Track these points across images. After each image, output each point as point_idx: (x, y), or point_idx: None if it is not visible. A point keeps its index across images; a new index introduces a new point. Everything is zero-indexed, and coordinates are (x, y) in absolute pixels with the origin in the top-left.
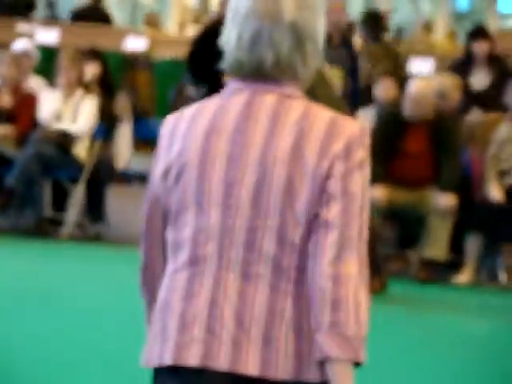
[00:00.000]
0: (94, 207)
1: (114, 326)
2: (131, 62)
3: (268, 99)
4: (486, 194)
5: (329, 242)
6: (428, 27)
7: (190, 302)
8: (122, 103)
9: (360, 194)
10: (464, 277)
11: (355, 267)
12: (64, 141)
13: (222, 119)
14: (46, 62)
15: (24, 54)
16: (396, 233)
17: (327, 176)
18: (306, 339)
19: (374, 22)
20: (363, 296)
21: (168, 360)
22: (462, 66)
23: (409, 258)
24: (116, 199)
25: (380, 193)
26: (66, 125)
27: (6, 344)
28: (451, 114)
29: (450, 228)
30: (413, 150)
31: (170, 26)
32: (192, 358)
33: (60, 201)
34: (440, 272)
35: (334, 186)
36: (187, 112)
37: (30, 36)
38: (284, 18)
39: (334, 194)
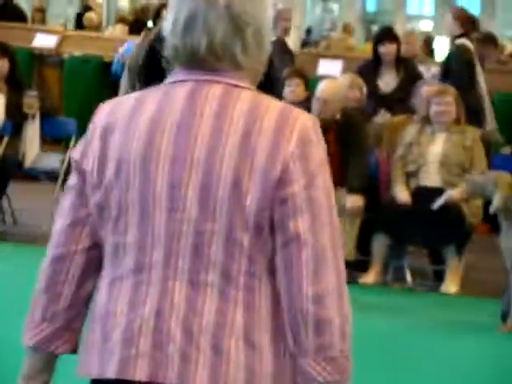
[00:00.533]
0: None
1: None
2: (40, 58)
3: (212, 91)
4: (393, 195)
5: (303, 258)
6: (347, 29)
7: (135, 313)
8: (31, 101)
9: (326, 199)
10: (371, 277)
11: (333, 280)
12: None
13: (165, 113)
14: None
15: None
16: None
17: (282, 178)
18: (258, 351)
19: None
20: (346, 307)
21: (112, 373)
22: (370, 68)
23: None
24: (23, 196)
25: None
26: None
27: None
28: (358, 115)
29: (357, 229)
30: None
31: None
32: (139, 373)
33: None
34: (347, 272)
35: (298, 194)
36: (126, 102)
37: None
38: (218, 2)
39: (299, 204)
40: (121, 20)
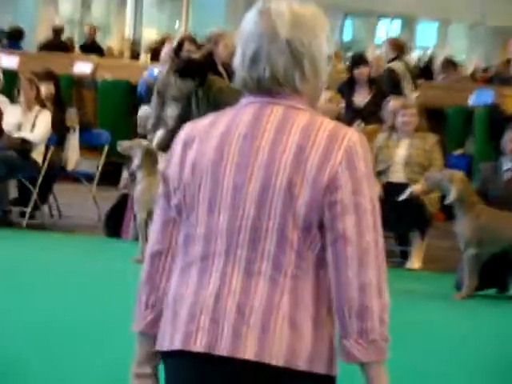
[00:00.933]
0: (44, 200)
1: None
2: (79, 82)
3: (275, 110)
4: None
5: (349, 255)
6: (337, 56)
7: (199, 295)
8: (71, 117)
9: (371, 206)
10: None
11: (374, 275)
12: (24, 147)
13: (234, 127)
14: (9, 84)
15: None
16: None
17: (331, 185)
18: (299, 332)
19: None
20: (385, 298)
21: (177, 345)
22: (347, 87)
23: None
24: (66, 195)
25: None
26: (25, 134)
27: None
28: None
29: None
30: None
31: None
32: (198, 345)
33: (24, 196)
34: None
35: (344, 199)
36: (203, 121)
37: None
38: (280, 37)
39: (345, 208)
40: (149, 49)
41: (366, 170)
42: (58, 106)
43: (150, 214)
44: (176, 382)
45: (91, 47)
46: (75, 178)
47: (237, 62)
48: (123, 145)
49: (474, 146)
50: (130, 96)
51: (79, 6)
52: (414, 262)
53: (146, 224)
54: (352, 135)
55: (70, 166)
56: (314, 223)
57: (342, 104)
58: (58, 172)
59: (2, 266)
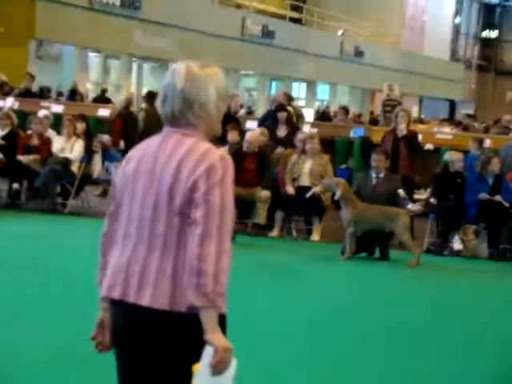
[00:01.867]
0: (79, 195)
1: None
2: (101, 121)
3: (173, 136)
4: (286, 190)
5: (196, 233)
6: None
7: (119, 261)
8: (96, 143)
9: (218, 202)
10: (274, 233)
11: (213, 248)
12: (66, 163)
13: (149, 149)
14: (57, 122)
15: (45, 117)
16: (241, 209)
17: (193, 189)
18: (179, 286)
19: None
20: (223, 265)
21: (104, 293)
22: (272, 124)
23: (246, 223)
24: (92, 192)
25: None
26: (67, 155)
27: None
28: (268, 149)
29: (266, 207)
30: (248, 167)
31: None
32: (115, 294)
33: (65, 194)
34: (262, 230)
35: (199, 197)
36: (139, 146)
37: (48, 108)
38: (177, 87)
39: (199, 203)
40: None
41: (219, 179)
42: (87, 136)
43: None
44: (114, 320)
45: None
46: (97, 182)
47: (157, 102)
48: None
49: (353, 163)
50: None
51: (101, 72)
52: (315, 236)
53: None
54: (215, 156)
55: (95, 174)
56: (186, 212)
57: (267, 136)
58: (87, 179)
59: (55, 240)
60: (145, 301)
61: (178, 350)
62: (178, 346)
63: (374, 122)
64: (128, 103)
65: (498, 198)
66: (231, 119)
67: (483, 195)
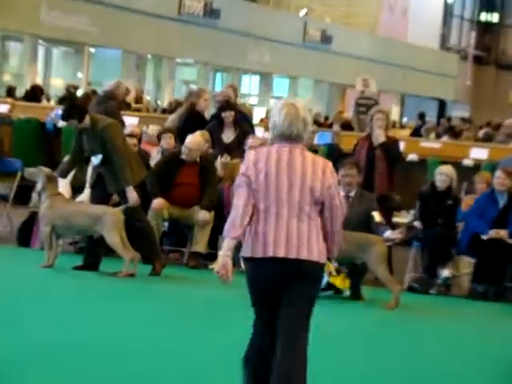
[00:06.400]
0: None
1: None
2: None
3: (296, 150)
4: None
5: (338, 213)
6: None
7: (277, 231)
8: None
9: (337, 189)
10: (218, 264)
11: (340, 223)
12: None
13: (281, 157)
14: None
15: None
16: (176, 235)
17: (328, 186)
18: (321, 245)
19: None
20: (339, 236)
21: (270, 254)
22: (216, 127)
23: (183, 252)
24: None
25: (158, 202)
26: None
27: None
28: (211, 158)
29: (208, 232)
30: (186, 181)
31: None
32: (280, 253)
33: None
34: (202, 261)
35: (334, 192)
36: (262, 150)
37: None
38: (300, 116)
39: (334, 195)
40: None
41: (335, 178)
42: None
43: (53, 229)
44: (265, 274)
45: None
46: None
47: (275, 123)
48: (28, 171)
49: None
50: (39, 131)
51: None
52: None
53: (51, 236)
54: (328, 162)
55: None
56: (321, 201)
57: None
58: None
59: None
60: (303, 255)
61: (317, 284)
62: (318, 281)
63: (344, 125)
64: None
65: (502, 233)
66: (200, 120)
67: (491, 233)
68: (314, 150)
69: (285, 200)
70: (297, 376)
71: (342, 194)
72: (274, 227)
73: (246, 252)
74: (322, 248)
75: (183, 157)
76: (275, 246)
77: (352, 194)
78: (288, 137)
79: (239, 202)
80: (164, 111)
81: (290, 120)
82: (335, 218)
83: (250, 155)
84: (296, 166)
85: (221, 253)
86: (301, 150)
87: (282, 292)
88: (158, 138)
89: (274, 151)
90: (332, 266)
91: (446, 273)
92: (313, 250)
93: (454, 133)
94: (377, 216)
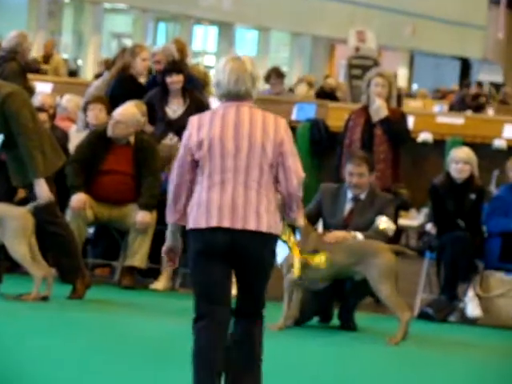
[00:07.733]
0: None
1: None
2: None
3: (243, 108)
4: None
5: (292, 174)
6: None
7: (222, 199)
8: None
9: (292, 148)
10: (160, 284)
11: (296, 182)
12: None
13: (227, 117)
14: None
15: None
16: (105, 243)
17: (281, 143)
18: (272, 215)
19: None
20: (299, 187)
21: (214, 224)
22: (159, 97)
23: (114, 266)
24: None
25: (79, 198)
26: None
27: None
28: (151, 139)
29: (149, 241)
30: (117, 168)
31: None
32: (225, 223)
33: None
34: (140, 279)
35: (287, 150)
36: (207, 113)
37: None
38: (247, 71)
39: (286, 153)
40: None
41: (290, 134)
42: None
43: None
44: (211, 245)
45: None
46: None
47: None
48: None
49: None
50: None
51: None
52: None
53: None
54: (282, 119)
55: None
56: (274, 162)
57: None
58: None
59: None
60: (251, 226)
61: (270, 256)
62: (270, 253)
63: (331, 94)
64: None
65: None
66: (135, 88)
67: None
68: (292, 127)
69: (230, 166)
70: (256, 335)
71: (350, 196)
72: (219, 196)
73: (189, 224)
74: (275, 217)
75: (109, 134)
76: (220, 215)
77: (362, 197)
78: (235, 95)
79: (172, 182)
80: (97, 76)
81: (236, 76)
82: (290, 180)
83: (193, 120)
84: (243, 127)
85: (167, 235)
86: (249, 108)
87: (232, 263)
88: (85, 110)
89: (219, 113)
90: (293, 239)
91: (470, 294)
92: (262, 219)
93: (480, 104)
94: (383, 222)
